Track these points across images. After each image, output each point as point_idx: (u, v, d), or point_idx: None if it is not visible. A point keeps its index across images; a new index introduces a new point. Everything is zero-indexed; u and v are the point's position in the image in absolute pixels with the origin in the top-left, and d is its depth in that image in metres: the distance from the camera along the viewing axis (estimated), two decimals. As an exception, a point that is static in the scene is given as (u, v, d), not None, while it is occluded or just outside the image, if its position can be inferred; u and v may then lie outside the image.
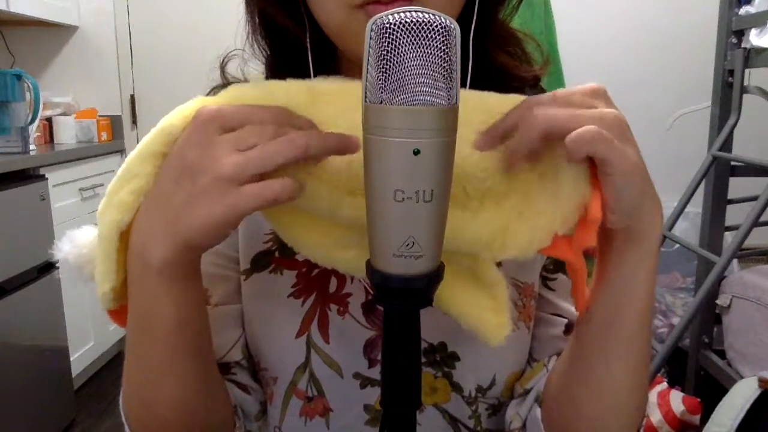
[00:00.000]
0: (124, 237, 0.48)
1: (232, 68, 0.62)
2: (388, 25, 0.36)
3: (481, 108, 0.46)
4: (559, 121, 0.41)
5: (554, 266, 0.64)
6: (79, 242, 0.52)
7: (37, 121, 2.46)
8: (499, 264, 0.60)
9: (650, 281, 0.48)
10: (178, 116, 0.47)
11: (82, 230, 0.53)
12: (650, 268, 0.47)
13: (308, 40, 0.55)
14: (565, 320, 0.63)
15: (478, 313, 0.52)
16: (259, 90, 0.48)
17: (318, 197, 0.46)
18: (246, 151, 0.42)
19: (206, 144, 0.42)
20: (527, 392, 0.61)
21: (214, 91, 0.61)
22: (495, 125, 0.45)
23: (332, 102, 0.48)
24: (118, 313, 0.51)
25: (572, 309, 0.63)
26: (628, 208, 0.43)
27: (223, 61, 0.62)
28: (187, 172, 0.43)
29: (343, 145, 0.43)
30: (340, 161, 0.45)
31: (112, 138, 2.98)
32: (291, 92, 0.48)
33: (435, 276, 0.41)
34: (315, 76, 0.53)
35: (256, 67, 0.62)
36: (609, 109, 0.43)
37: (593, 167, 0.43)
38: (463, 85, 0.47)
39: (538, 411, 0.58)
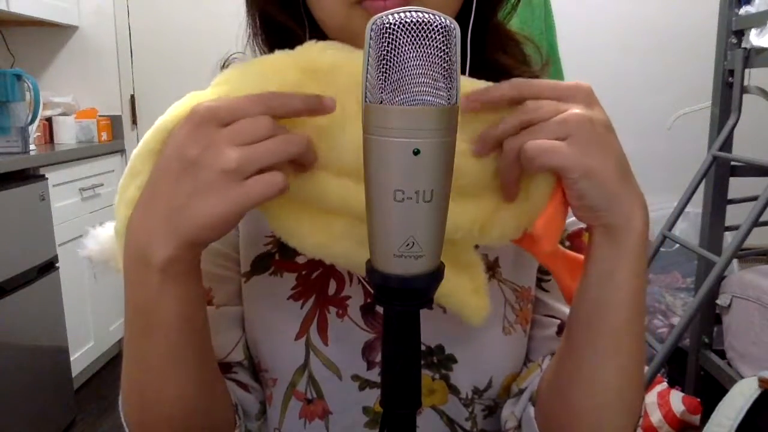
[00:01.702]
0: None
1: None
2: (388, 25, 0.36)
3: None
4: (516, 144, 0.45)
5: None
6: (102, 239, 0.54)
7: (37, 121, 2.46)
8: (496, 266, 0.60)
9: (633, 279, 0.47)
10: (173, 114, 0.47)
11: (105, 227, 0.54)
12: (632, 266, 0.47)
13: (308, 39, 0.55)
14: (558, 321, 0.63)
15: (460, 295, 0.53)
16: (249, 80, 0.48)
17: (309, 180, 0.47)
18: (247, 145, 0.42)
19: (206, 141, 0.43)
20: (522, 392, 0.61)
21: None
22: (488, 132, 0.47)
23: (324, 83, 0.47)
24: None
25: (565, 310, 0.63)
26: (597, 205, 0.44)
27: (224, 63, 0.62)
28: (188, 170, 0.43)
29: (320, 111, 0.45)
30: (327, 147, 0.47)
31: (112, 138, 2.98)
32: (283, 76, 0.47)
33: (435, 276, 0.41)
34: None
35: None
36: (575, 111, 0.44)
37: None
38: None
39: (532, 410, 0.59)
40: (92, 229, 0.55)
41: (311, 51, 0.49)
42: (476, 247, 0.55)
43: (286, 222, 0.50)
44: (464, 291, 0.53)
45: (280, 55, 0.49)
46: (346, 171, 0.47)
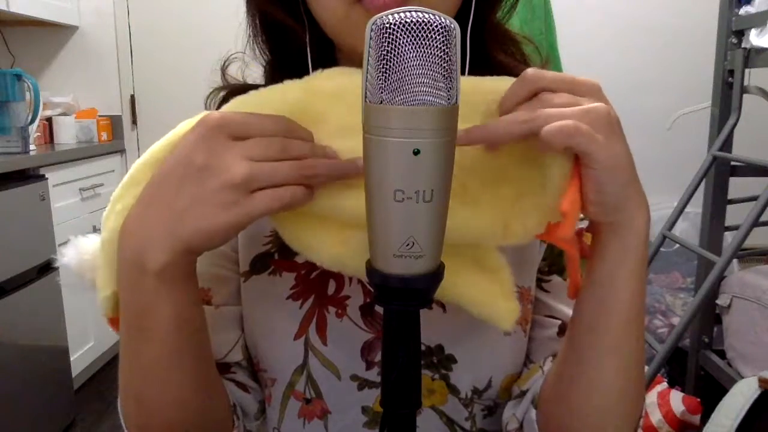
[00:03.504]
0: None
1: (233, 71, 0.63)
2: (388, 25, 0.36)
3: (478, 91, 0.47)
4: (541, 121, 0.41)
5: (549, 268, 0.64)
6: (83, 249, 0.53)
7: (37, 121, 2.46)
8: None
9: (635, 280, 0.47)
10: (183, 128, 0.47)
11: (88, 238, 0.53)
12: (634, 266, 0.47)
13: (308, 39, 0.55)
14: (559, 321, 0.63)
15: (489, 301, 0.52)
16: (256, 98, 0.49)
17: (322, 194, 0.47)
18: (257, 161, 0.43)
19: (215, 149, 0.43)
20: (524, 393, 0.61)
21: (215, 92, 0.62)
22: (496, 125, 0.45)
23: (328, 102, 0.48)
24: (119, 320, 0.51)
25: (566, 310, 0.63)
26: (611, 202, 0.44)
27: (224, 64, 0.62)
28: (193, 175, 0.43)
29: (345, 172, 0.46)
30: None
31: (112, 138, 2.98)
32: (286, 93, 0.48)
33: (435, 276, 0.41)
34: (314, 69, 0.53)
35: (257, 69, 0.62)
36: (597, 103, 0.43)
37: (577, 161, 0.44)
38: None
39: (533, 413, 0.58)
40: (74, 237, 0.54)
41: (318, 78, 0.50)
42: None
43: (301, 234, 0.50)
44: (493, 296, 0.52)
45: (287, 82, 0.50)
46: (355, 186, 0.46)
